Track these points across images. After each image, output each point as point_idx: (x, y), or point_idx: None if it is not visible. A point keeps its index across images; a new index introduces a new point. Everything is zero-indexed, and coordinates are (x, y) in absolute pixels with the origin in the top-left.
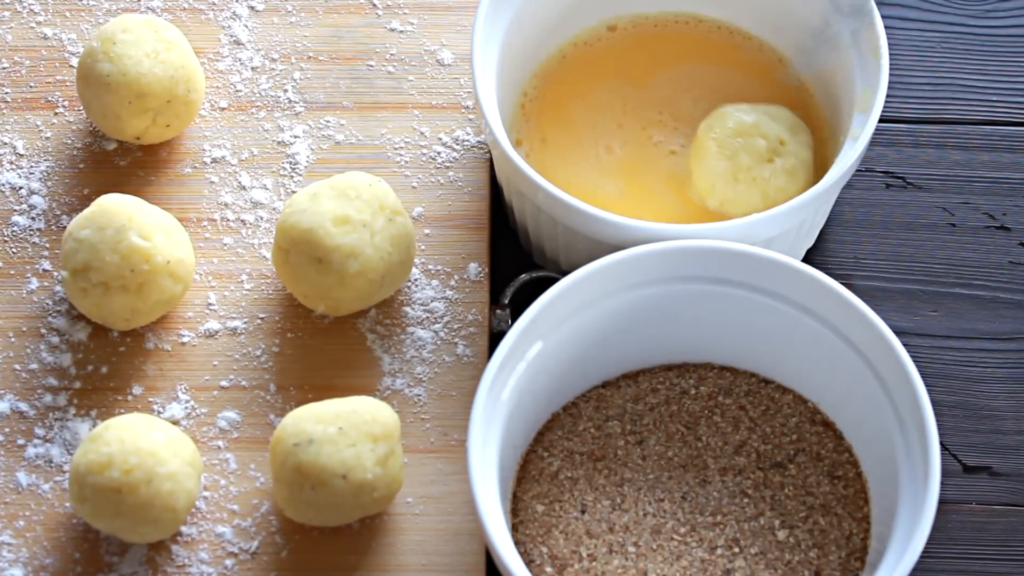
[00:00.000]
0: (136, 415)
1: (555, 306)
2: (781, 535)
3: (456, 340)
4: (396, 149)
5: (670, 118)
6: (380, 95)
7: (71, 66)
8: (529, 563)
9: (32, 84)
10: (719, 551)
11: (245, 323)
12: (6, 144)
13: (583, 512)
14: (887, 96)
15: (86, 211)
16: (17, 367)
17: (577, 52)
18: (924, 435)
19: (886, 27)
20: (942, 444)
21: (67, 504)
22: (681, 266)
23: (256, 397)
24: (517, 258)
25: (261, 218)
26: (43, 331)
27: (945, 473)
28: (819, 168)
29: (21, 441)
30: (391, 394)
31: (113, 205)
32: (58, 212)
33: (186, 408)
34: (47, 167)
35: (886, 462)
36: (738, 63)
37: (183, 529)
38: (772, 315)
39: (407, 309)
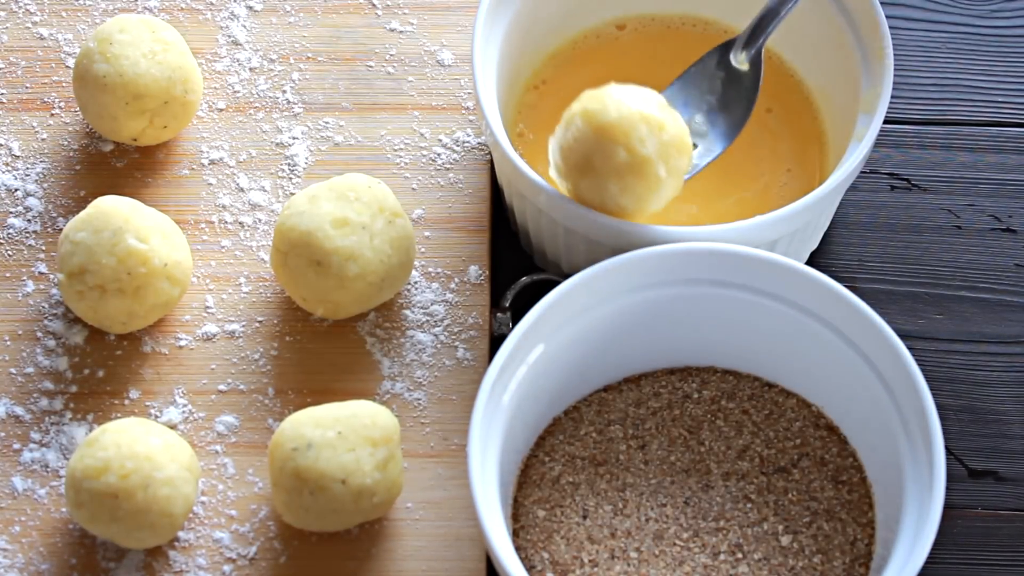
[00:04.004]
0: (133, 419)
1: (556, 309)
2: (785, 540)
3: (456, 343)
4: (396, 151)
5: None
6: (380, 96)
7: (67, 67)
8: (530, 569)
9: (28, 85)
10: (722, 557)
11: (243, 326)
12: (2, 145)
13: (584, 517)
14: (892, 97)
15: (82, 213)
16: (13, 371)
17: (581, 51)
18: (929, 439)
19: (891, 28)
20: (947, 448)
21: (63, 509)
22: (684, 269)
23: (254, 401)
24: (518, 261)
25: (259, 220)
26: (39, 334)
27: (950, 478)
28: (823, 170)
29: (17, 446)
30: (391, 398)
31: (110, 207)
32: (54, 214)
33: (183, 412)
34: (43, 169)
35: (891, 467)
36: None
37: (180, 535)
38: (775, 318)
39: (407, 312)
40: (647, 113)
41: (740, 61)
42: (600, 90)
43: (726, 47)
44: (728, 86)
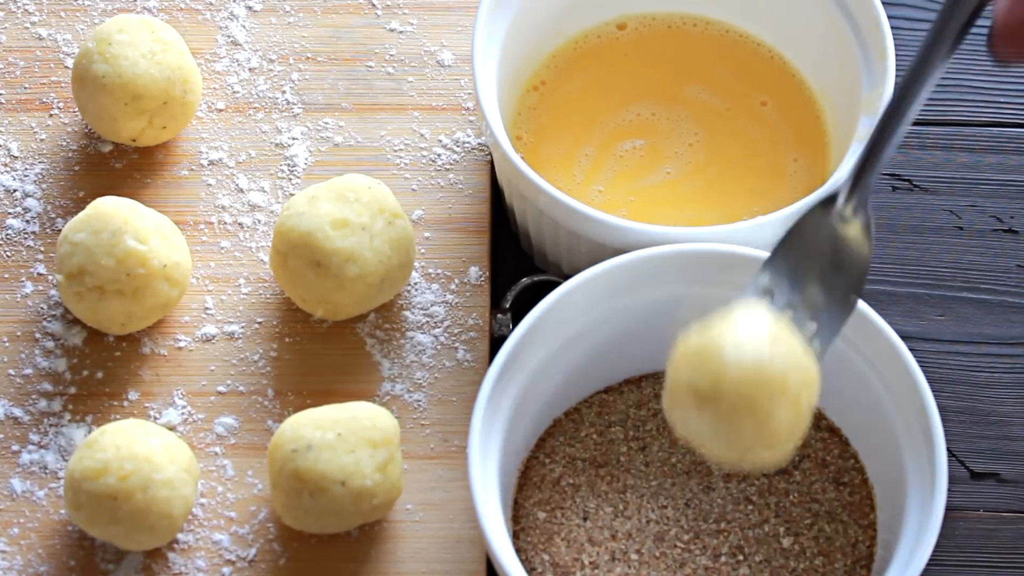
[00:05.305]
0: (132, 421)
1: (557, 310)
2: (786, 542)
3: (456, 345)
4: (396, 151)
5: (676, 120)
6: (379, 96)
7: (66, 67)
8: (531, 571)
9: (27, 85)
10: (723, 559)
11: (243, 327)
12: (0, 146)
13: (585, 519)
14: None
15: (81, 214)
16: (11, 372)
17: (581, 52)
18: (931, 441)
19: (892, 28)
20: (949, 450)
21: (62, 511)
22: (685, 270)
23: (254, 403)
24: (518, 262)
25: (259, 221)
26: (38, 336)
27: (952, 479)
28: (825, 171)
29: (15, 447)
30: (390, 399)
31: (109, 208)
32: (53, 215)
33: (183, 414)
34: (42, 169)
35: (892, 468)
36: (746, 67)
37: (180, 536)
38: None
39: (407, 313)
40: (768, 374)
41: (846, 215)
42: (705, 341)
43: (825, 203)
44: (837, 247)
